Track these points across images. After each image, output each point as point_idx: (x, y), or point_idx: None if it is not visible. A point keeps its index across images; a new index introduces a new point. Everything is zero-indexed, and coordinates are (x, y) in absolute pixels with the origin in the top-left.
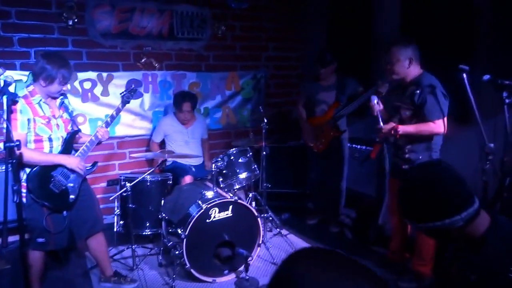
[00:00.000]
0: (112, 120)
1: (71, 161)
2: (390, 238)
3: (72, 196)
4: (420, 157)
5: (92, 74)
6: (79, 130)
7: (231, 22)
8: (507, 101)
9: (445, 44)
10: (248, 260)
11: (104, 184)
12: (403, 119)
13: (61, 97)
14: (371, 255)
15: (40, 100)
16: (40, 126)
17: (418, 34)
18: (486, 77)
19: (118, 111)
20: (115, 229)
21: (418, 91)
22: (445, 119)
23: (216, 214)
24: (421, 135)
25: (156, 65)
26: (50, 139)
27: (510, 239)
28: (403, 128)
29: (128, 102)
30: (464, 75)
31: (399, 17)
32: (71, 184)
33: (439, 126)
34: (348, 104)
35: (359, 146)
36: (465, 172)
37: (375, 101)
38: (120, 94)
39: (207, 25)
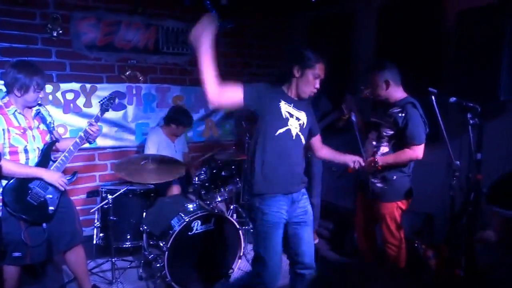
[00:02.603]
0: (98, 120)
1: (52, 176)
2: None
3: (51, 208)
4: (394, 177)
5: (75, 85)
6: (57, 141)
7: (216, 39)
8: (471, 121)
9: (416, 67)
10: (229, 272)
11: (83, 196)
12: (382, 136)
13: (37, 107)
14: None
15: (15, 111)
16: (15, 136)
17: (392, 57)
18: (453, 99)
19: (97, 119)
20: (94, 242)
21: (402, 115)
22: (423, 145)
23: (198, 227)
24: (399, 163)
25: (141, 78)
26: (26, 151)
27: None
28: (382, 160)
29: (107, 110)
30: (433, 97)
31: (375, 40)
32: (50, 196)
33: (417, 152)
34: (320, 121)
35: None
36: (433, 187)
37: (354, 118)
38: (99, 102)
39: None
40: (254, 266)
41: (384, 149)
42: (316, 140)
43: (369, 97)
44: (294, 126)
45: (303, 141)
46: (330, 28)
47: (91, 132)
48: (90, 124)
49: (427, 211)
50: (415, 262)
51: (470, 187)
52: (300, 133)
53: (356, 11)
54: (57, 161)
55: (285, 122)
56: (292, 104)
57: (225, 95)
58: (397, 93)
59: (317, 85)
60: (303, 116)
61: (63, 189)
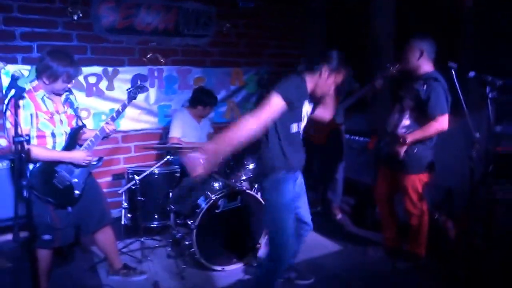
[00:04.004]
0: (118, 115)
1: (77, 155)
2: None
3: (77, 192)
4: (416, 150)
5: (97, 69)
6: (84, 126)
7: (235, 20)
8: (490, 95)
9: (436, 43)
10: (257, 246)
11: (109, 179)
12: (404, 108)
13: (66, 93)
14: (368, 241)
15: (44, 95)
16: (43, 121)
17: (412, 33)
18: (472, 73)
19: (124, 106)
20: (122, 222)
21: (424, 87)
22: (447, 115)
23: (225, 204)
24: (427, 136)
25: (162, 60)
26: (53, 135)
27: None
28: (412, 137)
29: (135, 98)
30: (453, 72)
31: (394, 17)
32: (76, 180)
33: (441, 123)
34: (345, 99)
35: (357, 137)
36: (453, 160)
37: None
38: (127, 90)
39: (212, 22)
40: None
41: (406, 122)
42: None
43: (395, 75)
44: (303, 122)
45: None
46: (349, 7)
47: (107, 131)
48: (107, 123)
49: (447, 184)
50: (435, 233)
51: (489, 159)
52: (301, 128)
53: None
54: (84, 145)
55: (299, 122)
56: (309, 100)
57: (266, 118)
58: (426, 66)
59: (332, 90)
60: (309, 107)
61: (88, 166)
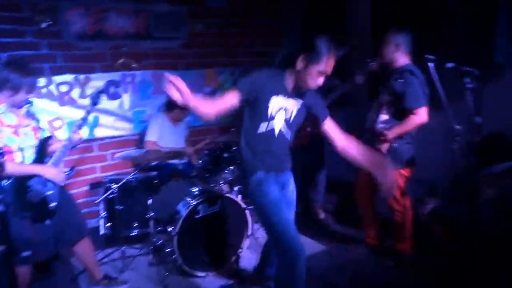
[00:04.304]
0: (84, 123)
1: (50, 171)
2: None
3: (53, 204)
4: (395, 145)
5: (69, 77)
6: (50, 137)
7: (208, 20)
8: (469, 86)
9: (412, 35)
10: (238, 251)
11: (86, 188)
12: (381, 103)
13: (27, 105)
14: (352, 239)
15: (5, 110)
16: (8, 135)
17: (388, 27)
18: (450, 64)
19: (88, 113)
20: (101, 232)
21: (400, 81)
22: (425, 108)
23: (205, 209)
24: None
25: (135, 65)
26: (20, 149)
27: None
28: (393, 133)
29: (97, 104)
30: (431, 64)
31: (370, 11)
32: (50, 192)
33: (420, 116)
34: (326, 96)
35: None
36: (435, 154)
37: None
38: (89, 95)
39: (184, 24)
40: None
41: (384, 117)
42: (330, 127)
43: (376, 70)
44: (278, 124)
45: (289, 136)
46: (324, 2)
47: (74, 140)
48: (73, 132)
49: (430, 177)
50: (420, 228)
51: (471, 151)
52: (285, 129)
53: None
54: (53, 158)
55: (268, 121)
56: (287, 96)
57: (219, 107)
58: (402, 59)
59: (320, 82)
60: (295, 105)
61: (62, 183)
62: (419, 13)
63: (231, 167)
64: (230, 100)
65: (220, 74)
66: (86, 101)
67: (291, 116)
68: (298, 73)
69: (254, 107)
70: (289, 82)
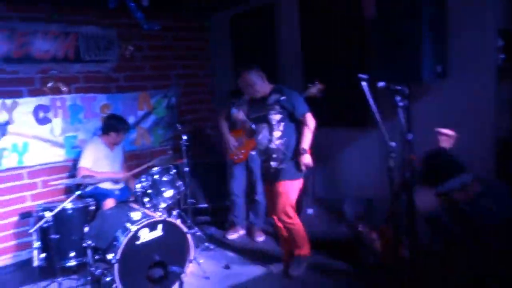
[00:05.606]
0: None
1: None
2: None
3: None
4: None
5: None
6: None
7: (139, 42)
8: (400, 104)
9: (342, 56)
10: (181, 277)
11: (15, 218)
12: (272, 124)
13: None
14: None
15: None
16: None
17: (319, 50)
18: (381, 83)
19: None
20: (35, 264)
21: (283, 97)
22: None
23: (146, 235)
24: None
25: (64, 88)
26: None
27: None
28: (306, 149)
29: (4, 134)
30: (364, 83)
31: (299, 31)
32: None
33: (311, 119)
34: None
35: None
36: (371, 172)
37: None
38: None
39: (114, 46)
40: None
41: (277, 133)
42: None
43: (316, 96)
44: None
45: None
46: (253, 23)
47: None
48: None
49: (368, 195)
50: (360, 245)
51: (406, 167)
52: None
53: (278, 4)
54: None
55: None
56: None
57: None
58: (268, 86)
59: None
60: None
61: None
62: (348, 33)
63: (171, 191)
64: None
65: (153, 97)
66: (15, 127)
67: None
68: None
69: None
70: None
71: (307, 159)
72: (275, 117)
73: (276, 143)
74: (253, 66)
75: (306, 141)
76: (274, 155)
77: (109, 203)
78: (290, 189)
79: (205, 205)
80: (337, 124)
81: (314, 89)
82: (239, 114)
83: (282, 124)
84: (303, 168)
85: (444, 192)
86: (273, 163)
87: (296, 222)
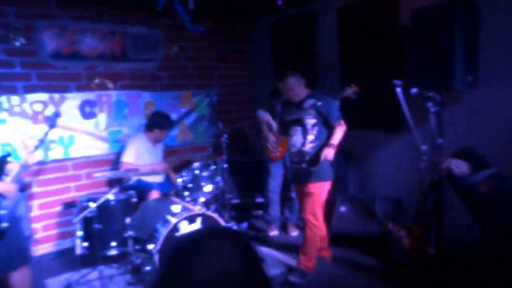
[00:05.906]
0: (41, 144)
1: (5, 186)
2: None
3: (4, 224)
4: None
5: (43, 96)
6: (8, 155)
7: (183, 43)
8: (432, 110)
9: (378, 63)
10: None
11: (58, 208)
12: (306, 128)
13: None
14: None
15: None
16: None
17: (356, 57)
18: (414, 90)
19: (46, 135)
20: (77, 252)
21: (320, 103)
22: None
23: (185, 227)
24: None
25: (110, 85)
26: None
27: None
28: (334, 145)
29: (54, 126)
30: (398, 89)
31: (337, 39)
32: (3, 211)
33: (344, 124)
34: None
35: None
36: (402, 173)
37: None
38: (46, 117)
39: (160, 46)
40: None
41: (311, 137)
42: None
43: (351, 97)
44: None
45: None
46: (292, 29)
47: (30, 163)
48: (29, 154)
49: (398, 196)
50: (389, 242)
51: (435, 170)
52: None
53: (317, 12)
54: (9, 177)
55: None
56: None
57: None
58: (305, 90)
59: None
60: None
61: (13, 200)
62: (384, 41)
63: (212, 186)
64: None
65: (195, 95)
66: (62, 120)
67: None
68: None
69: None
70: None
71: (330, 153)
72: (310, 121)
73: (308, 146)
74: (295, 72)
75: (336, 137)
76: (306, 158)
77: (154, 194)
78: (321, 190)
79: (243, 201)
80: (371, 127)
81: (350, 91)
82: (265, 116)
83: (316, 128)
84: (322, 158)
85: (469, 183)
86: (305, 165)
87: (320, 226)
